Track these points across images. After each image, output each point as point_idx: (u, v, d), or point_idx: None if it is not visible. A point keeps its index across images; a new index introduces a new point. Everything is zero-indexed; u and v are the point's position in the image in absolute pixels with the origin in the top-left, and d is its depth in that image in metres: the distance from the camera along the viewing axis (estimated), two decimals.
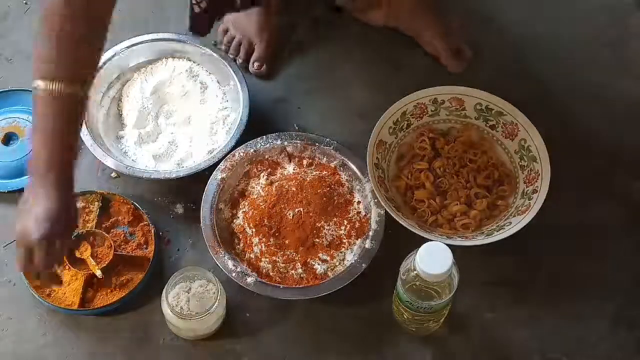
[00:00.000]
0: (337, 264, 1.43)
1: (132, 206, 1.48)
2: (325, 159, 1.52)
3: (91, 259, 1.43)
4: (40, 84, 1.22)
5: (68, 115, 1.25)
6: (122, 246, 1.45)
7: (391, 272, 1.33)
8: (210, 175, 1.48)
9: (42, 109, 1.23)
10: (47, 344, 1.40)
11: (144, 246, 1.46)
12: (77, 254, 1.43)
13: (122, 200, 1.48)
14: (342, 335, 1.41)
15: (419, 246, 1.25)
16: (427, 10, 1.63)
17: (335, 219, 1.46)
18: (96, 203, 1.48)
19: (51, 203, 1.24)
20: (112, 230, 1.47)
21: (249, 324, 1.42)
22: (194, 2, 1.44)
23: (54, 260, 1.29)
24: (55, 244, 1.26)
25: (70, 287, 1.41)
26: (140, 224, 1.47)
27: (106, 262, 1.42)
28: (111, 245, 1.43)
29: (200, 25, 1.50)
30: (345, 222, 1.46)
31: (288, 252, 1.43)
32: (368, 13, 1.66)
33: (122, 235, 1.46)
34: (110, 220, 1.48)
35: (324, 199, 1.46)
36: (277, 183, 1.49)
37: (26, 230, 1.25)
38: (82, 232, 1.45)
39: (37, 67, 1.23)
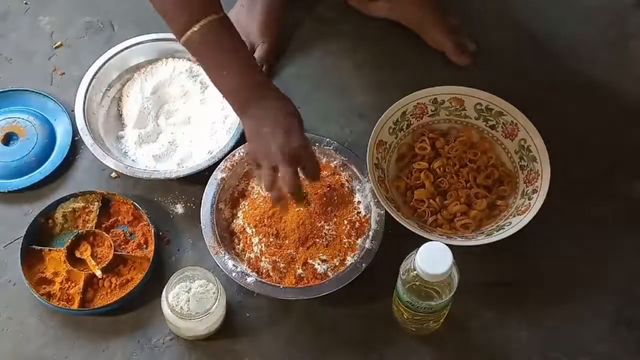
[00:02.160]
0: (337, 264, 1.43)
1: (132, 206, 1.48)
2: (325, 159, 1.51)
3: (91, 259, 1.43)
4: (191, 32, 1.25)
5: (232, 32, 1.28)
6: (122, 246, 1.46)
7: (391, 272, 1.33)
8: (210, 175, 1.48)
9: (210, 43, 1.26)
10: (47, 343, 1.40)
11: (144, 246, 1.46)
12: (77, 254, 1.43)
13: (122, 200, 1.48)
14: (342, 335, 1.41)
15: (419, 246, 1.25)
16: (430, 5, 1.63)
17: (335, 219, 1.46)
18: (96, 203, 1.48)
19: (284, 105, 1.27)
20: (112, 230, 1.47)
21: (249, 324, 1.42)
22: None
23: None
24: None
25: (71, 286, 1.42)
26: (140, 224, 1.47)
27: (106, 262, 1.42)
28: (111, 245, 1.44)
29: None
30: (345, 222, 1.46)
31: (288, 252, 1.43)
32: (369, 4, 1.66)
33: (122, 235, 1.47)
34: (110, 220, 1.48)
35: (324, 199, 1.46)
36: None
37: (278, 146, 1.24)
38: (82, 232, 1.45)
39: (177, 24, 1.26)
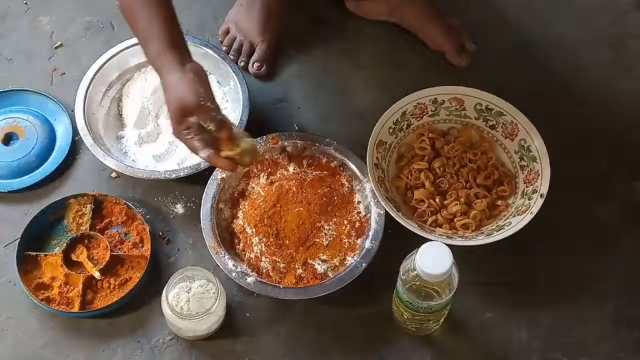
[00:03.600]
0: (337, 264, 1.43)
1: (125, 206, 1.48)
2: (325, 159, 1.51)
3: (88, 261, 1.43)
4: None
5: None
6: (118, 246, 1.45)
7: (391, 272, 1.33)
8: (210, 175, 1.48)
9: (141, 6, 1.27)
10: (47, 343, 1.40)
11: (140, 245, 1.46)
12: (74, 257, 1.43)
13: (114, 201, 1.48)
14: (342, 335, 1.41)
15: (419, 246, 1.25)
16: (428, 6, 1.63)
17: (335, 219, 1.46)
18: (89, 205, 1.48)
19: (190, 66, 1.26)
20: (106, 231, 1.47)
21: (249, 324, 1.42)
22: None
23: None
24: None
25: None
26: (135, 223, 1.47)
27: (103, 264, 1.42)
28: (107, 246, 1.43)
29: None
30: (345, 222, 1.46)
31: (288, 252, 1.43)
32: (367, 6, 1.66)
33: (117, 236, 1.46)
34: (104, 221, 1.48)
35: (324, 199, 1.46)
36: (277, 183, 1.49)
37: (190, 95, 1.24)
38: (77, 235, 1.45)
39: None
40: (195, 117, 1.24)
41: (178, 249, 1.48)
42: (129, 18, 1.30)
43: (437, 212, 1.47)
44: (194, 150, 1.27)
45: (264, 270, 1.43)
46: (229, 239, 1.46)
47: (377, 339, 1.41)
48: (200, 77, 1.27)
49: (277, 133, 1.52)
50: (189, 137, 1.26)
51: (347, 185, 1.49)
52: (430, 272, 1.24)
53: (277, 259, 1.43)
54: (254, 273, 1.42)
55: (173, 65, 1.26)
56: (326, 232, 1.45)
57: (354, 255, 1.43)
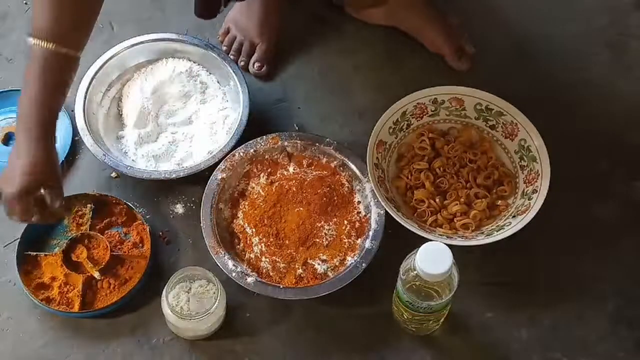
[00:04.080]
0: (337, 264, 1.43)
1: (125, 206, 1.48)
2: (325, 159, 1.51)
3: (88, 262, 1.43)
4: (34, 42, 1.26)
5: (60, 74, 1.29)
6: (118, 246, 1.45)
7: (391, 272, 1.33)
8: (210, 175, 1.48)
9: (35, 65, 1.28)
10: (47, 343, 1.40)
11: (140, 245, 1.46)
12: (74, 257, 1.43)
13: (114, 201, 1.48)
14: (342, 335, 1.41)
15: (419, 246, 1.25)
16: (428, 8, 1.63)
17: (335, 219, 1.46)
18: (89, 205, 1.48)
19: (32, 157, 1.29)
20: (106, 231, 1.47)
21: (249, 324, 1.42)
22: None
23: (44, 210, 1.32)
24: (37, 194, 1.30)
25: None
26: (135, 223, 1.47)
27: (103, 264, 1.42)
28: (107, 247, 1.43)
29: (207, 9, 1.47)
30: (345, 222, 1.46)
31: (288, 252, 1.43)
32: (366, 11, 1.66)
33: (117, 236, 1.46)
34: (104, 221, 1.48)
35: (324, 199, 1.46)
36: (277, 183, 1.49)
37: (8, 181, 1.30)
38: (77, 235, 1.45)
39: (34, 25, 1.27)
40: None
41: (178, 249, 1.48)
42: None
43: (437, 212, 1.47)
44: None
45: (264, 270, 1.43)
46: (229, 239, 1.46)
47: (377, 339, 1.41)
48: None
49: (277, 133, 1.52)
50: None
51: (347, 185, 1.49)
52: (430, 272, 1.24)
53: (277, 259, 1.43)
54: (254, 273, 1.42)
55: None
56: (326, 232, 1.45)
57: (354, 255, 1.43)
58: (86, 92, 1.55)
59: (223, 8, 1.47)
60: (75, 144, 1.56)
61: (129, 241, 1.46)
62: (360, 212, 1.47)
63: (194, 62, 1.61)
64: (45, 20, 1.26)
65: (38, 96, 1.29)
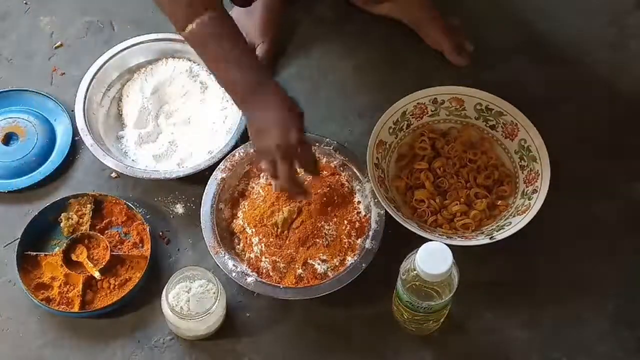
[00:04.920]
0: (337, 264, 1.43)
1: (125, 206, 1.48)
2: (325, 159, 1.51)
3: (88, 261, 1.43)
4: (194, 24, 1.26)
5: (232, 27, 1.30)
6: (118, 246, 1.45)
7: (391, 272, 1.33)
8: (210, 175, 1.48)
9: (210, 37, 1.28)
10: (47, 344, 1.40)
11: (140, 245, 1.46)
12: (74, 257, 1.44)
13: (114, 201, 1.48)
14: (342, 335, 1.41)
15: (419, 246, 1.25)
16: (429, 5, 1.64)
17: (335, 219, 1.46)
18: (89, 205, 1.48)
19: (287, 101, 1.30)
20: (106, 231, 1.47)
21: (249, 324, 1.42)
22: None
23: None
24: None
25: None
26: (135, 223, 1.47)
27: (103, 264, 1.42)
28: (107, 246, 1.44)
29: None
30: (345, 222, 1.46)
31: (288, 252, 1.43)
32: (371, 2, 1.66)
33: (117, 236, 1.46)
34: (104, 221, 1.48)
35: (324, 199, 1.46)
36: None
37: (274, 143, 1.27)
38: (77, 235, 1.45)
39: (175, 19, 1.28)
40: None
41: (178, 249, 1.48)
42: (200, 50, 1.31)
43: (437, 212, 1.47)
44: (273, 178, 1.32)
45: (264, 270, 1.43)
46: (229, 239, 1.46)
47: (377, 339, 1.41)
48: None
49: None
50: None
51: (347, 185, 1.49)
52: (430, 272, 1.24)
53: (277, 259, 1.43)
54: (254, 273, 1.42)
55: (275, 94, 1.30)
56: (326, 232, 1.45)
57: (354, 255, 1.43)
58: (86, 92, 1.55)
59: None
60: (75, 144, 1.56)
61: (129, 241, 1.46)
62: (360, 212, 1.47)
63: (194, 62, 1.61)
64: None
65: (239, 60, 1.29)
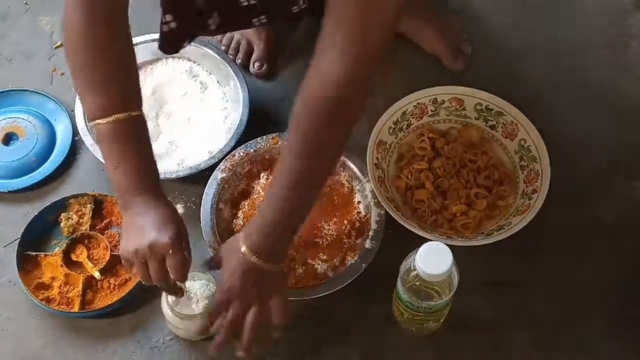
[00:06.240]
0: (337, 264, 1.43)
1: None
2: None
3: (88, 261, 1.43)
4: (100, 122, 1.23)
5: (139, 134, 1.26)
6: (118, 246, 1.45)
7: (391, 272, 1.33)
8: (210, 175, 1.48)
9: (110, 141, 1.24)
10: (47, 344, 1.40)
11: None
12: (74, 257, 1.43)
13: (114, 201, 1.48)
14: (342, 335, 1.41)
15: (419, 246, 1.25)
16: (426, 11, 1.63)
17: (335, 219, 1.46)
18: (89, 205, 1.48)
19: (164, 207, 1.24)
20: (106, 231, 1.47)
21: None
22: (163, 21, 1.38)
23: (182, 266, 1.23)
24: (186, 247, 1.25)
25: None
26: None
27: (103, 264, 1.42)
28: (107, 246, 1.43)
29: (169, 45, 1.43)
30: (345, 222, 1.46)
31: (288, 252, 1.43)
32: None
33: (117, 236, 1.46)
34: (104, 221, 1.48)
35: (324, 199, 1.46)
36: None
37: (148, 241, 1.22)
38: (77, 235, 1.45)
39: (88, 108, 1.24)
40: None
41: None
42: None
43: (437, 212, 1.47)
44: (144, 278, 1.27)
45: None
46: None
47: (377, 339, 1.41)
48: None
49: (278, 133, 1.52)
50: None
51: (347, 185, 1.49)
52: (430, 272, 1.24)
53: None
54: None
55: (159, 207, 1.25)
56: (326, 232, 1.44)
57: (354, 255, 1.43)
58: None
59: (187, 44, 1.44)
60: (75, 144, 1.56)
61: None
62: (360, 212, 1.47)
63: (194, 62, 1.61)
64: (100, 99, 1.23)
65: (129, 165, 1.24)
